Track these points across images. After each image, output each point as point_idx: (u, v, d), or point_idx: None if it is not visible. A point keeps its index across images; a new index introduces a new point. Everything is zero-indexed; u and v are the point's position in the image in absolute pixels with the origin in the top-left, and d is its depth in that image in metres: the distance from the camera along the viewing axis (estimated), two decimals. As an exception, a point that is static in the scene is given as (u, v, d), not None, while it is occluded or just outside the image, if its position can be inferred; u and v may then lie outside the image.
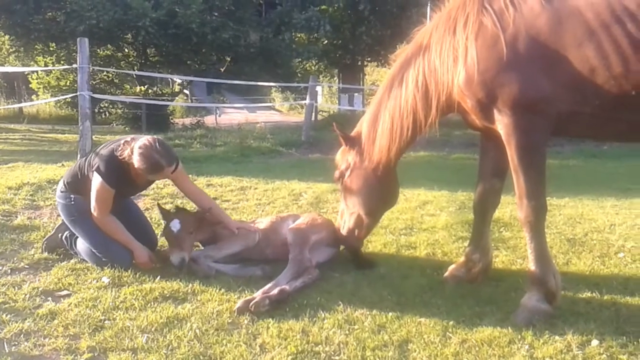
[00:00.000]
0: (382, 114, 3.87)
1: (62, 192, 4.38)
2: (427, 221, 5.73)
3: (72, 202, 4.30)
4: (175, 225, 4.17)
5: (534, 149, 3.26)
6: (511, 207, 5.64)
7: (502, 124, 3.25)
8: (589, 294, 3.69)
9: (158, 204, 4.51)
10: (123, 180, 4.16)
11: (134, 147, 4.04)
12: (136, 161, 4.01)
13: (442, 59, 3.44)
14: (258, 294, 3.54)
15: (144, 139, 4.10)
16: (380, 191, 4.12)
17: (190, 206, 4.93)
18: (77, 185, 4.31)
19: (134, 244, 4.22)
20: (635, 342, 2.97)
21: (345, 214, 4.29)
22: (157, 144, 4.07)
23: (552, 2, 3.09)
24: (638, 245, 4.86)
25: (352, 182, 4.15)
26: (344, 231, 4.28)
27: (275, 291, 3.55)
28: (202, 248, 4.45)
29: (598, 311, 3.42)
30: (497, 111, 3.25)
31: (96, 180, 4.10)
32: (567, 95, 3.08)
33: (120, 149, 4.12)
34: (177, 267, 4.04)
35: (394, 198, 4.32)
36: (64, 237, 4.42)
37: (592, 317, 3.30)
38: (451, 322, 3.25)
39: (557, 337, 3.05)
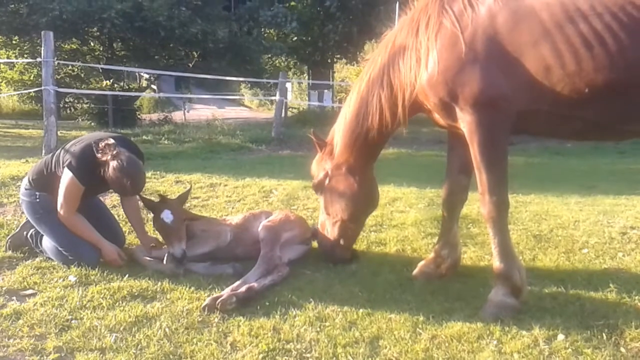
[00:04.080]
0: (351, 117, 3.91)
1: (26, 189, 4.28)
2: (397, 218, 5.77)
3: (37, 200, 4.21)
4: (168, 215, 4.09)
5: (496, 146, 3.33)
6: (479, 204, 5.71)
7: (464, 122, 3.32)
8: (554, 290, 3.76)
9: (140, 196, 4.38)
10: (94, 178, 4.08)
11: (115, 160, 3.94)
12: (107, 173, 3.96)
13: (405, 59, 3.52)
14: (226, 292, 3.52)
15: (124, 158, 3.97)
16: (361, 194, 4.12)
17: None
18: (43, 182, 4.22)
19: (101, 242, 4.15)
20: (599, 336, 3.04)
21: (327, 225, 4.25)
22: (133, 171, 3.99)
23: (508, 2, 3.16)
24: (601, 242, 4.98)
25: (333, 189, 4.14)
26: (330, 243, 4.23)
27: (243, 289, 3.54)
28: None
29: (564, 306, 3.49)
30: (459, 109, 3.31)
31: (66, 176, 4.02)
32: (525, 93, 3.15)
33: (100, 149, 4.02)
34: (179, 259, 3.99)
35: (376, 200, 4.33)
36: (28, 235, 4.32)
37: (558, 312, 3.36)
38: (421, 318, 3.28)
39: (524, 332, 3.10)
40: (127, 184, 3.98)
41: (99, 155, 4.01)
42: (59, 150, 4.29)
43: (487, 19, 3.18)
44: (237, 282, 3.65)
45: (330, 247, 4.25)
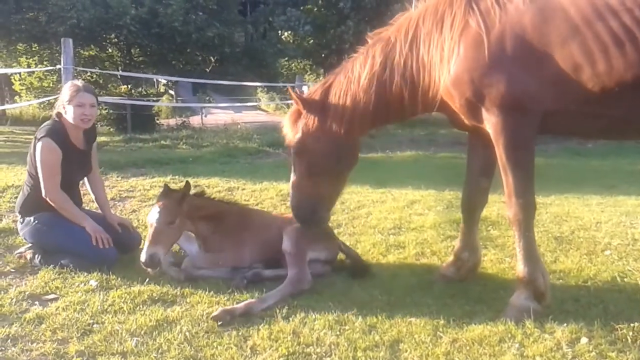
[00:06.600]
0: (361, 92, 3.64)
1: (21, 222, 4.33)
2: (416, 220, 5.74)
3: (36, 222, 4.22)
4: (153, 214, 3.83)
5: (522, 146, 3.27)
6: (498, 206, 5.68)
7: (490, 122, 3.26)
8: (577, 292, 3.72)
9: (165, 185, 4.16)
10: (65, 144, 4.20)
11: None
12: (63, 94, 4.26)
13: (430, 56, 3.42)
14: (241, 306, 3.43)
15: None
16: (347, 155, 3.85)
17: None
18: (31, 205, 4.27)
19: (86, 220, 4.21)
20: (623, 340, 3.00)
21: (306, 186, 3.86)
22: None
23: (536, 0, 3.10)
24: (624, 243, 4.91)
25: (317, 147, 3.77)
26: (311, 204, 3.88)
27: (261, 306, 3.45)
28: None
29: (586, 309, 3.44)
30: (484, 110, 3.25)
31: (40, 147, 4.12)
32: (553, 93, 3.09)
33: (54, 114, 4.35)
34: (144, 264, 3.72)
35: (356, 158, 3.98)
36: (38, 261, 4.22)
37: (581, 315, 3.32)
38: (441, 322, 3.26)
39: (546, 336, 3.06)
40: (79, 83, 4.38)
41: (56, 115, 4.29)
42: (27, 166, 4.36)
43: (515, 17, 3.11)
44: (255, 300, 3.53)
45: (311, 208, 3.88)
